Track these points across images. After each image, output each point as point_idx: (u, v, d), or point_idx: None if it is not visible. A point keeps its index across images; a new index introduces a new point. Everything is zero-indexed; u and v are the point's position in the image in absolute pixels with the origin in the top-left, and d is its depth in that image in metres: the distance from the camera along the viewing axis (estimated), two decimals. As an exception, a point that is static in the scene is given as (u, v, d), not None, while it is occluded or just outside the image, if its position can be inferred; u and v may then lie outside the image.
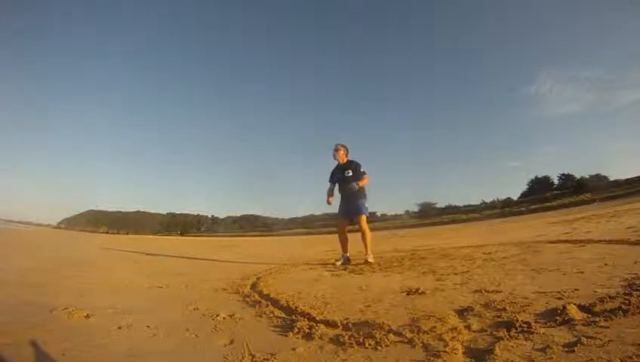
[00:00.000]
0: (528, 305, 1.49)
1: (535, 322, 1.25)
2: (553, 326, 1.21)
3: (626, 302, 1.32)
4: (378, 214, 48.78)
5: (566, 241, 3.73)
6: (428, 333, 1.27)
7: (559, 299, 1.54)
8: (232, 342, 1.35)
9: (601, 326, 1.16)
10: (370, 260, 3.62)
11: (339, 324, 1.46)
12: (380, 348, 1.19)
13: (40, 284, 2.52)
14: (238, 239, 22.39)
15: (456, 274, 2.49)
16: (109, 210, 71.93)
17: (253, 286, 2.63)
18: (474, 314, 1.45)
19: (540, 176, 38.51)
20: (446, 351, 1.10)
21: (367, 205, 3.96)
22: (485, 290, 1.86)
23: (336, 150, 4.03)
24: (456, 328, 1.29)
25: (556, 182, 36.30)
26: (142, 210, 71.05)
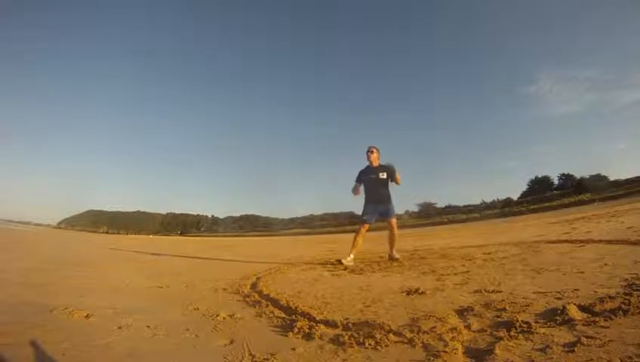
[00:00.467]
0: (528, 305, 1.49)
1: (535, 322, 1.25)
2: (553, 326, 1.21)
3: (626, 302, 1.32)
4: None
5: (566, 241, 3.73)
6: (428, 333, 1.27)
7: (559, 299, 1.54)
8: (232, 342, 1.35)
9: (601, 326, 1.16)
10: (397, 256, 3.74)
11: (339, 324, 1.46)
12: (380, 348, 1.19)
13: (40, 284, 2.52)
14: (238, 239, 22.40)
15: (456, 274, 2.49)
16: (109, 210, 72.06)
17: (253, 286, 2.63)
18: (474, 314, 1.45)
19: (539, 176, 38.55)
20: (446, 351, 1.10)
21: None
22: (485, 290, 1.86)
23: (371, 152, 3.99)
24: (456, 328, 1.29)
25: (556, 182, 36.34)
26: (142, 210, 71.10)
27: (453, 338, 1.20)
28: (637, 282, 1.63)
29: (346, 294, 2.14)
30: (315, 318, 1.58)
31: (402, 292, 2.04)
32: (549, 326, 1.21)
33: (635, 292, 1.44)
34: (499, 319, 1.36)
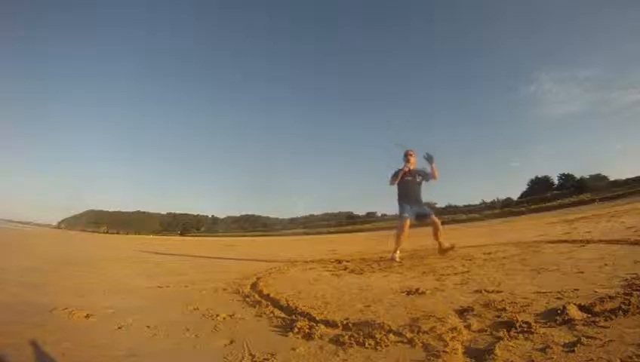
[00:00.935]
0: (528, 305, 1.49)
1: (535, 322, 1.25)
2: (553, 326, 1.21)
3: (626, 302, 1.32)
4: (378, 214, 48.82)
5: (566, 241, 3.73)
6: (428, 333, 1.27)
7: (559, 299, 1.54)
8: (232, 342, 1.35)
9: (601, 326, 1.16)
10: (448, 245, 3.85)
11: (339, 324, 1.46)
12: (379, 348, 1.19)
13: (40, 284, 2.52)
14: (238, 239, 22.39)
15: (456, 274, 2.49)
16: (109, 210, 72.09)
17: (253, 286, 2.63)
18: (474, 314, 1.45)
19: (540, 176, 38.55)
20: (446, 351, 1.10)
21: None
22: (485, 290, 1.86)
23: (411, 155, 4.15)
24: (456, 328, 1.29)
25: (556, 182, 36.32)
26: (142, 210, 71.11)
27: (453, 338, 1.20)
28: (637, 282, 1.63)
29: (346, 294, 2.14)
30: (315, 318, 1.58)
31: (402, 292, 2.04)
32: (549, 326, 1.21)
33: (635, 292, 1.44)
34: (499, 319, 1.36)
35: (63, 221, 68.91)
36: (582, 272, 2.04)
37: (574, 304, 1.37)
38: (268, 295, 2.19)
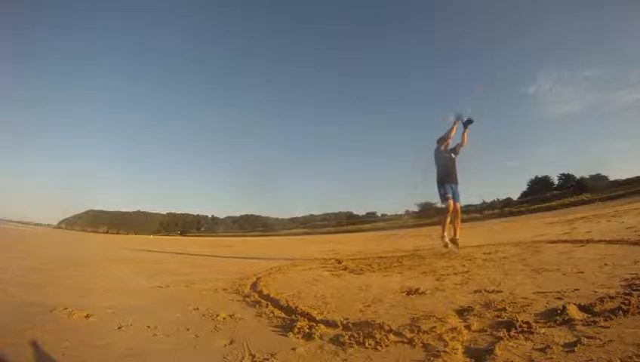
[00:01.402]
0: (528, 305, 1.49)
1: (535, 322, 1.25)
2: (553, 326, 1.21)
3: (626, 302, 1.32)
4: (378, 214, 48.83)
5: (566, 241, 3.73)
6: (428, 333, 1.27)
7: (559, 299, 1.54)
8: (232, 342, 1.35)
9: (601, 326, 1.16)
10: (459, 239, 4.05)
11: (339, 324, 1.46)
12: (380, 348, 1.19)
13: (40, 284, 2.52)
14: (238, 239, 22.40)
15: (456, 274, 2.49)
16: (109, 210, 71.97)
17: (253, 286, 2.63)
18: (474, 314, 1.45)
19: (539, 176, 38.49)
20: (446, 351, 1.10)
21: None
22: (485, 290, 1.86)
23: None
24: (456, 328, 1.29)
25: (556, 182, 36.26)
26: (142, 210, 71.09)
27: (453, 338, 1.20)
28: (637, 282, 1.63)
29: (346, 294, 2.14)
30: (315, 318, 1.58)
31: (402, 292, 2.04)
32: (549, 326, 1.21)
33: (635, 292, 1.44)
34: (499, 319, 1.36)
35: (63, 221, 68.88)
36: (582, 272, 2.04)
37: (574, 304, 1.37)
38: (268, 295, 2.19)
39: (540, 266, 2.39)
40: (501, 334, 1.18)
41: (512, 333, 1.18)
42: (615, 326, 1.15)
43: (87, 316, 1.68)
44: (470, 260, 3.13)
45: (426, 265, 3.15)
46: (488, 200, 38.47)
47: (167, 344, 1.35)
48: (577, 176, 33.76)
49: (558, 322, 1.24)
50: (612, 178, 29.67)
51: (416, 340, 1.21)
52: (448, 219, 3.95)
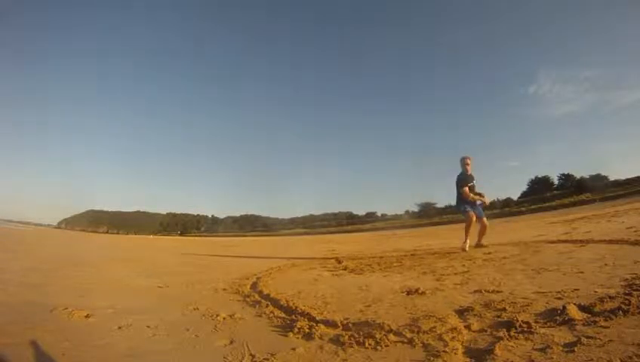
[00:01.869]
0: (528, 305, 1.49)
1: (535, 322, 1.25)
2: (553, 326, 1.21)
3: (626, 302, 1.32)
4: (378, 214, 48.82)
5: (566, 241, 3.73)
6: (428, 333, 1.27)
7: (559, 299, 1.54)
8: (232, 342, 1.35)
9: (601, 326, 1.16)
10: (485, 243, 4.29)
11: (339, 324, 1.46)
12: (380, 348, 1.19)
13: (40, 284, 2.52)
14: (238, 239, 22.39)
15: (456, 274, 2.49)
16: (109, 210, 72.03)
17: (253, 286, 2.63)
18: (474, 314, 1.45)
19: (540, 176, 38.47)
20: (446, 351, 1.10)
21: None
22: (485, 290, 1.86)
23: (467, 163, 4.56)
24: (456, 328, 1.29)
25: (556, 182, 36.25)
26: (142, 210, 71.12)
27: (453, 338, 1.20)
28: (637, 282, 1.63)
29: (346, 294, 2.14)
30: (315, 318, 1.58)
31: (402, 292, 2.04)
32: (549, 326, 1.21)
33: (635, 292, 1.44)
34: (499, 319, 1.36)
35: (63, 221, 68.93)
36: (582, 272, 2.04)
37: (574, 304, 1.37)
38: (268, 295, 2.19)
39: (540, 266, 2.39)
40: (501, 334, 1.18)
41: (512, 333, 1.18)
42: (615, 326, 1.15)
43: (87, 316, 1.68)
44: (470, 260, 3.13)
45: (426, 265, 3.14)
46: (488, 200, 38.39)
47: (167, 344, 1.35)
48: (577, 176, 33.75)
49: (558, 322, 1.24)
50: (612, 178, 29.69)
51: (416, 340, 1.21)
52: (470, 229, 4.26)
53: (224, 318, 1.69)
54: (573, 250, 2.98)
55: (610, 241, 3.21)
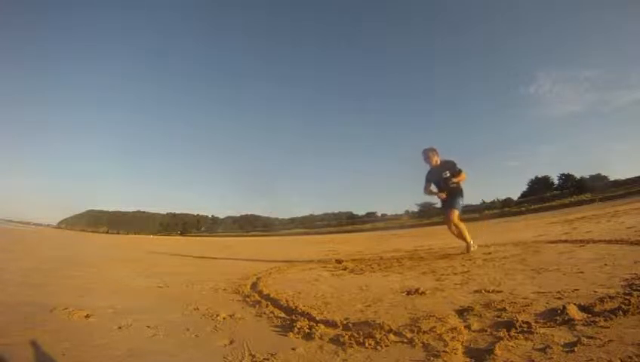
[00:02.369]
0: (528, 305, 1.49)
1: (535, 322, 1.25)
2: (553, 326, 1.21)
3: (626, 302, 1.32)
4: (378, 214, 48.81)
5: (566, 241, 3.73)
6: (428, 333, 1.27)
7: (559, 299, 1.54)
8: (232, 342, 1.35)
9: (601, 326, 1.16)
10: (471, 249, 3.70)
11: (339, 324, 1.46)
12: (380, 348, 1.19)
13: (40, 284, 2.52)
14: (238, 239, 22.38)
15: (456, 274, 2.49)
16: (109, 210, 72.09)
17: (253, 286, 2.63)
18: (474, 314, 1.45)
19: (539, 176, 38.46)
20: (446, 351, 1.10)
21: (461, 202, 4.02)
22: (485, 290, 1.86)
23: (428, 157, 4.09)
24: (456, 328, 1.29)
25: (556, 182, 36.23)
26: (142, 210, 71.13)
27: (453, 338, 1.20)
28: (637, 282, 1.63)
29: (346, 294, 2.14)
30: (315, 318, 1.58)
31: (402, 292, 2.04)
32: (549, 326, 1.21)
33: (635, 292, 1.44)
34: (499, 319, 1.36)
35: (63, 221, 68.99)
36: (582, 272, 2.04)
37: (574, 304, 1.37)
38: (268, 295, 2.19)
39: (540, 266, 2.39)
40: (501, 334, 1.18)
41: (512, 333, 1.18)
42: (615, 326, 1.15)
43: (87, 316, 1.68)
44: (470, 260, 3.13)
45: (426, 265, 3.15)
46: (488, 200, 38.46)
47: (167, 344, 1.35)
48: (577, 176, 33.76)
49: (558, 322, 1.24)
50: (612, 178, 29.69)
51: (416, 340, 1.21)
52: (452, 230, 3.95)
53: (224, 318, 1.69)
54: (573, 250, 2.98)
55: (610, 241, 3.21)
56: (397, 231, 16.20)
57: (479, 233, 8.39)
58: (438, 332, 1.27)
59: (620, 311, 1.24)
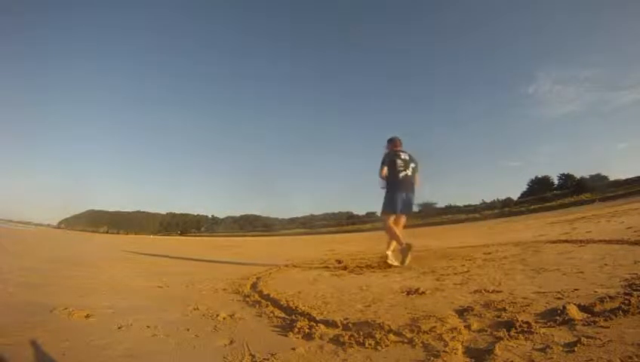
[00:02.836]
0: (528, 305, 1.49)
1: (535, 322, 1.25)
2: (553, 326, 1.21)
3: (626, 302, 1.32)
4: (378, 214, 48.76)
5: (566, 241, 3.72)
6: (428, 333, 1.27)
7: (559, 299, 1.54)
8: (232, 342, 1.35)
9: (601, 326, 1.16)
10: (389, 259, 3.46)
11: (339, 324, 1.46)
12: (380, 348, 1.19)
13: (40, 284, 2.52)
14: (238, 239, 22.38)
15: (456, 274, 2.49)
16: (109, 210, 72.02)
17: (253, 286, 2.63)
18: (474, 314, 1.45)
19: (540, 176, 38.44)
20: (446, 351, 1.10)
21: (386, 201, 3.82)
22: (485, 290, 1.86)
23: (396, 144, 3.82)
24: (456, 328, 1.29)
25: (556, 182, 36.22)
26: (142, 210, 71.13)
27: (453, 338, 1.20)
28: (637, 282, 1.63)
29: (346, 294, 2.14)
30: (315, 318, 1.58)
31: (402, 292, 2.04)
32: (549, 326, 1.21)
33: (635, 292, 1.44)
34: (499, 319, 1.36)
35: (63, 221, 68.90)
36: (582, 272, 2.04)
37: (574, 304, 1.37)
38: (268, 295, 2.19)
39: (540, 266, 2.39)
40: (501, 334, 1.18)
41: (512, 333, 1.18)
42: (615, 326, 1.15)
43: (87, 316, 1.68)
44: (470, 260, 3.13)
45: (426, 265, 3.15)
46: (488, 200, 38.46)
47: (167, 344, 1.35)
48: (577, 176, 33.74)
49: (558, 322, 1.24)
50: (612, 178, 29.67)
51: (416, 340, 1.21)
52: (393, 232, 3.64)
53: (224, 318, 1.69)
54: (573, 250, 2.98)
55: (610, 241, 3.21)
56: (397, 231, 16.16)
57: (479, 233, 8.40)
58: (438, 332, 1.27)
59: (620, 311, 1.24)
